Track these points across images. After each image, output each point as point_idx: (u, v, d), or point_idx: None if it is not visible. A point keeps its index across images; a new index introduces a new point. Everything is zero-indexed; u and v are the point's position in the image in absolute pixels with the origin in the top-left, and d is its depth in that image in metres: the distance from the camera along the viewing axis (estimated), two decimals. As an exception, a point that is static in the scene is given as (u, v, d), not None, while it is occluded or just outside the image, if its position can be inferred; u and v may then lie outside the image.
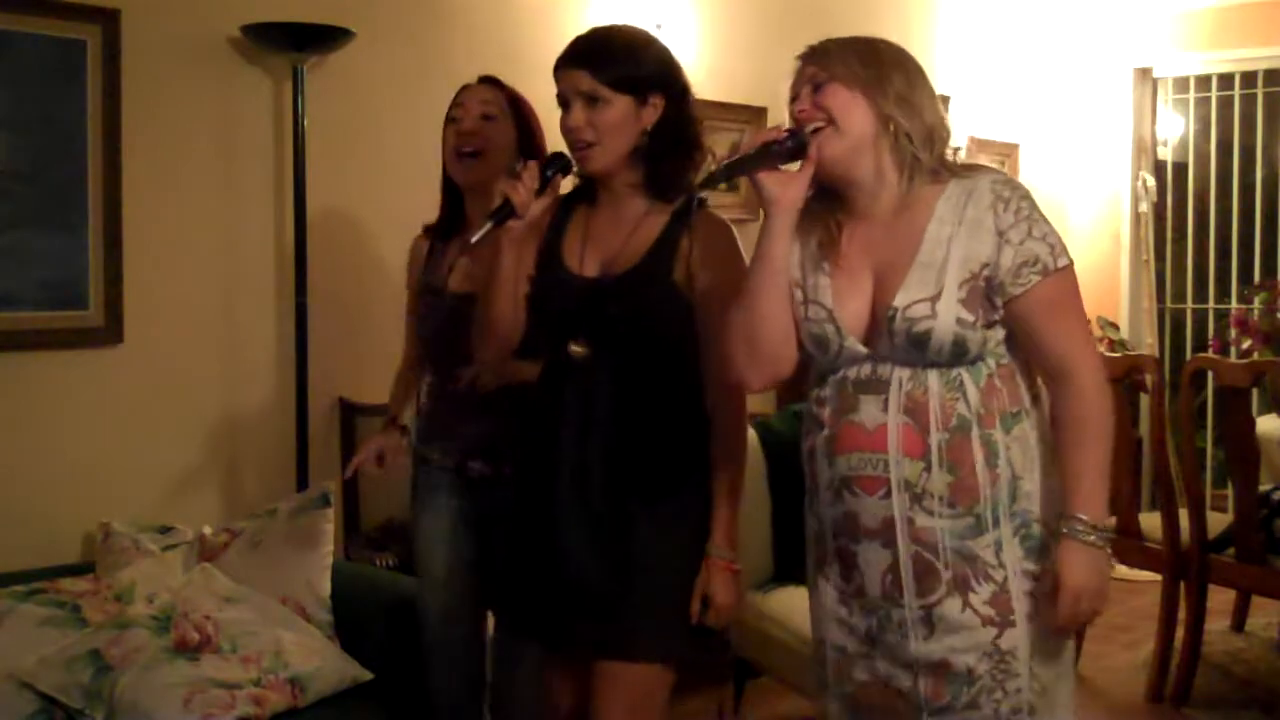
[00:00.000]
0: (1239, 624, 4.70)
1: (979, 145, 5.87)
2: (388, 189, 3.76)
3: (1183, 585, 4.15)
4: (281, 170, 3.58)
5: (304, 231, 3.51)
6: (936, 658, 2.00)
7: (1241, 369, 4.01)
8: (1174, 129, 6.60)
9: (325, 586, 3.04)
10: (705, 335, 2.24)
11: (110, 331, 3.27)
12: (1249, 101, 6.35)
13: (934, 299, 1.95)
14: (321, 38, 3.44)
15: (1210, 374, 4.47)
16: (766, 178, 2.02)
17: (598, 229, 2.32)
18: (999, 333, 2.00)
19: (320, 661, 2.83)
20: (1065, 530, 1.96)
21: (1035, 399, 2.05)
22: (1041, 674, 2.01)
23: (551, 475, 2.27)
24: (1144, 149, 6.52)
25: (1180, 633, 4.12)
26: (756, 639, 3.41)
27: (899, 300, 1.97)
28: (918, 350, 1.97)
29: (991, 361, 2.00)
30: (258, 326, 3.59)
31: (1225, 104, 6.42)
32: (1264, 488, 4.02)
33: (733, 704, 3.71)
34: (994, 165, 2.08)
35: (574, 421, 2.26)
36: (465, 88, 2.72)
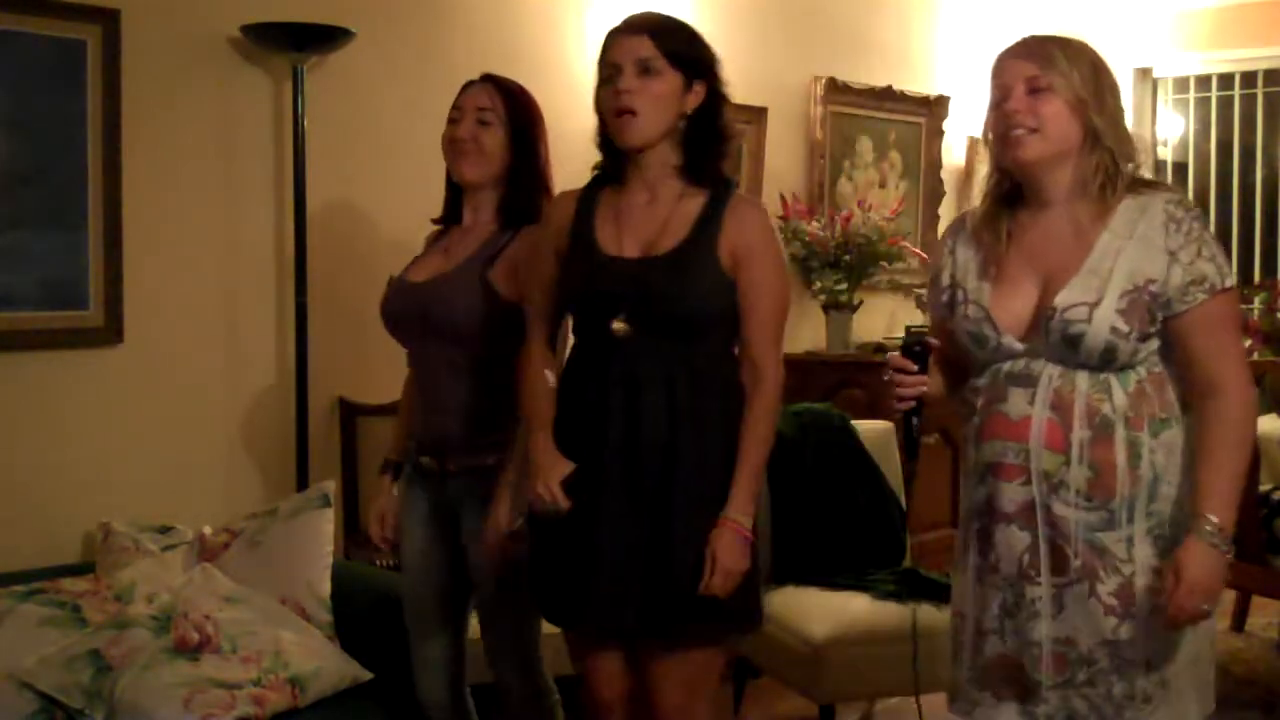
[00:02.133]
0: (1239, 624, 4.69)
1: (979, 145, 5.87)
2: (388, 189, 3.76)
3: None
4: (281, 170, 3.58)
5: (304, 231, 3.51)
6: (1062, 635, 2.10)
7: (1242, 369, 4.01)
8: (1174, 129, 6.60)
9: (325, 586, 3.04)
10: (745, 314, 2.30)
11: (110, 331, 3.27)
12: (1249, 101, 6.35)
13: (1093, 305, 2.05)
14: (321, 38, 3.44)
15: (1210, 374, 4.46)
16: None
17: (631, 211, 2.35)
18: (1153, 344, 2.08)
19: (320, 661, 2.83)
20: (1192, 528, 2.03)
21: (1185, 408, 2.12)
22: (1163, 669, 2.10)
23: (597, 459, 2.29)
24: (1144, 149, 6.51)
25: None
26: (756, 639, 3.40)
27: (1060, 300, 2.07)
28: (1070, 350, 2.06)
29: (1143, 369, 2.08)
30: (258, 326, 3.59)
31: (1225, 104, 6.42)
32: (1264, 488, 4.02)
33: (733, 704, 3.71)
34: (1167, 184, 2.17)
35: (621, 401, 2.29)
36: (466, 88, 2.71)
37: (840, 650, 3.20)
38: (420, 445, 2.69)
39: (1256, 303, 5.33)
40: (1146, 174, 2.21)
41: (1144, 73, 6.51)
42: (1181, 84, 6.53)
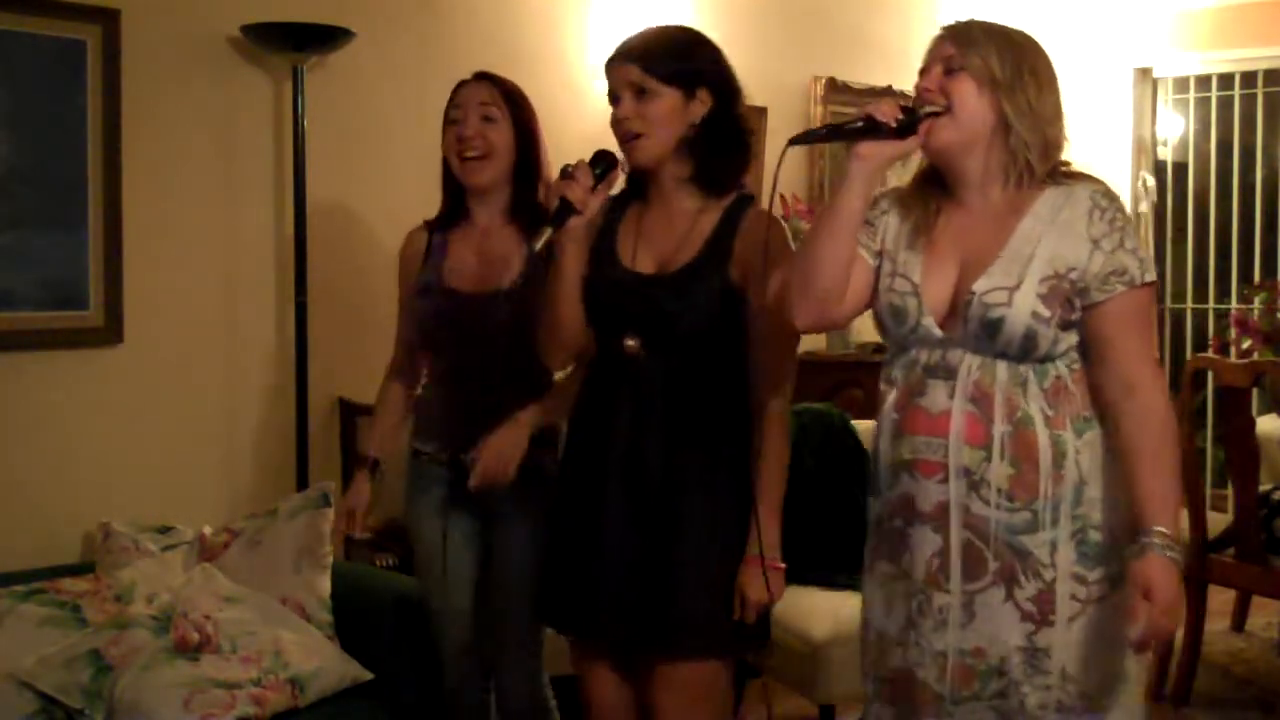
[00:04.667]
0: (1239, 624, 4.69)
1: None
2: (388, 189, 3.75)
3: (1183, 585, 4.14)
4: (281, 170, 3.58)
5: (304, 231, 3.51)
6: (970, 645, 2.02)
7: (1241, 369, 4.01)
8: (1174, 129, 6.60)
9: (325, 586, 3.04)
10: (755, 334, 2.27)
11: (110, 331, 3.27)
12: (1249, 101, 6.34)
13: (1013, 289, 1.98)
14: (321, 38, 3.44)
15: (1210, 374, 4.46)
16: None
17: (650, 227, 2.35)
18: (1073, 337, 2.01)
19: (320, 661, 2.83)
20: (1148, 543, 1.94)
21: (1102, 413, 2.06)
22: (1078, 677, 2.01)
23: (601, 471, 2.30)
24: (1144, 149, 6.52)
25: (1180, 633, 4.12)
26: (756, 639, 3.41)
27: (979, 285, 2.00)
28: (989, 338, 1.99)
29: (1063, 365, 2.02)
30: (258, 326, 3.59)
31: (1225, 104, 6.41)
32: (1264, 488, 4.02)
33: (733, 704, 3.70)
34: (1093, 174, 2.12)
35: (627, 417, 2.29)
36: (462, 86, 2.70)
37: (840, 650, 3.20)
38: (455, 442, 2.65)
39: (1256, 303, 5.32)
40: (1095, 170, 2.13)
41: (1144, 73, 6.51)
42: (1181, 84, 6.53)
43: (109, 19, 3.23)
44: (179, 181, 3.41)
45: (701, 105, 2.29)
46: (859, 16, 5.32)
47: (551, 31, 4.22)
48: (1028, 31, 2.12)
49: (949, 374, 2.02)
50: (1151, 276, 2.00)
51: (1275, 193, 6.32)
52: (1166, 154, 6.60)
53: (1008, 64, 2.02)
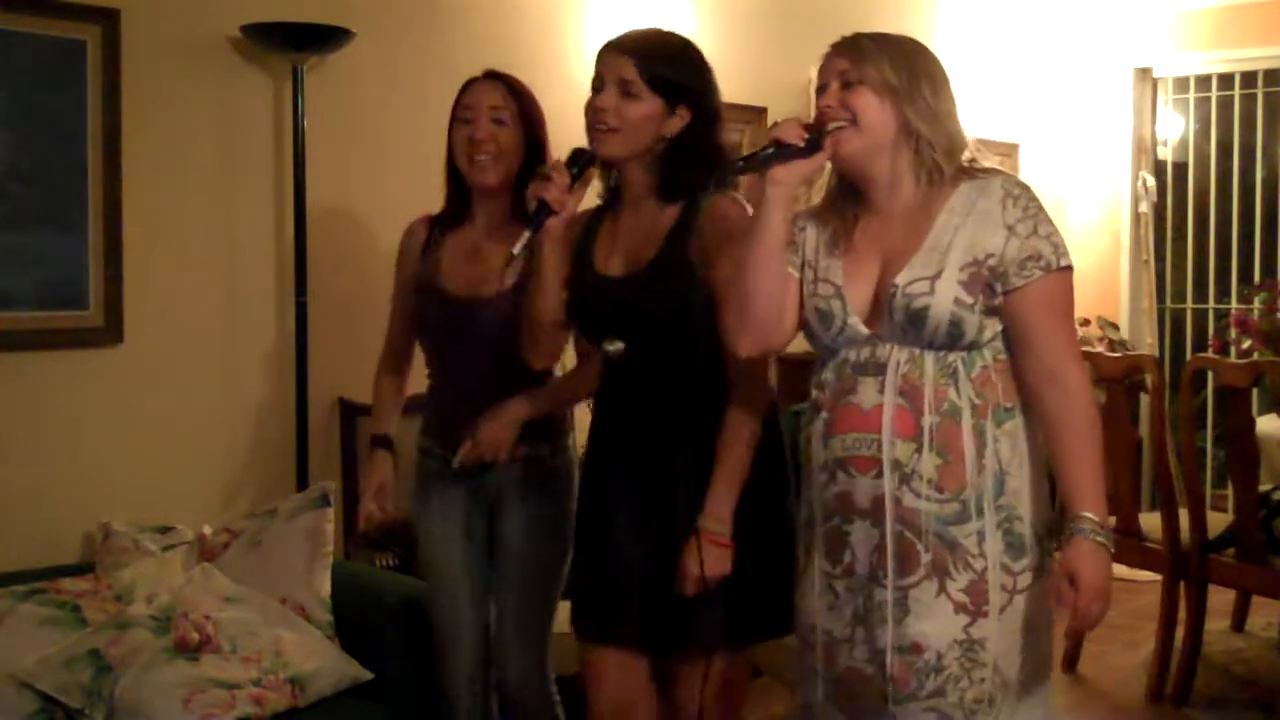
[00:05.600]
0: (1239, 624, 4.70)
1: (979, 145, 5.86)
2: (388, 189, 3.75)
3: (1183, 585, 4.15)
4: (281, 170, 3.58)
5: (304, 231, 3.51)
6: (908, 642, 2.02)
7: (1241, 369, 4.01)
8: (1174, 129, 6.60)
9: (325, 586, 3.04)
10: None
11: (110, 331, 3.27)
12: (1249, 101, 6.35)
13: (934, 278, 2.01)
14: (321, 38, 3.44)
15: (1210, 374, 4.47)
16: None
17: (622, 230, 2.39)
18: (997, 324, 2.04)
19: (320, 661, 2.83)
20: (1075, 529, 1.98)
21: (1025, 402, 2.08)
22: (1006, 669, 2.03)
23: (610, 473, 2.35)
24: (1144, 149, 6.52)
25: (1180, 633, 4.12)
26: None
27: (901, 278, 2.03)
28: (915, 329, 2.01)
29: (988, 354, 2.04)
30: (258, 326, 3.59)
31: (1225, 104, 6.42)
32: (1264, 488, 4.02)
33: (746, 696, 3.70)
34: (1004, 169, 2.14)
35: (625, 419, 2.33)
36: (472, 85, 2.70)
37: (840, 650, 3.20)
38: (454, 442, 2.65)
39: (1256, 302, 5.33)
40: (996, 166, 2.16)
41: (1144, 73, 6.51)
42: (1181, 84, 6.53)
43: (109, 19, 3.22)
44: (179, 181, 3.41)
45: (679, 120, 2.31)
46: (859, 17, 5.28)
47: (551, 32, 4.22)
48: (912, 36, 2.18)
49: (878, 370, 2.05)
50: (1067, 261, 2.03)
51: (1275, 193, 6.33)
52: (1166, 154, 6.60)
53: (902, 71, 2.08)
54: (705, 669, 2.30)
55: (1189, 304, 6.55)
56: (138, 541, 3.07)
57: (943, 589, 2.01)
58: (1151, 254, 6.45)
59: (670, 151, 2.31)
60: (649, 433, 2.32)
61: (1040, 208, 2.05)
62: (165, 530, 3.16)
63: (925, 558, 2.01)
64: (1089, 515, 1.98)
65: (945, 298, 2.00)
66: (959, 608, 2.01)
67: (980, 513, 2.01)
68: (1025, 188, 2.07)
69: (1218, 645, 4.49)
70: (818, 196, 2.21)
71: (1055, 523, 2.07)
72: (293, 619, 2.94)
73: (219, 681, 2.65)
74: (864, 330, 2.07)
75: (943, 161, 2.07)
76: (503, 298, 2.59)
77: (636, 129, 2.29)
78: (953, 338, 2.01)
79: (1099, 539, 1.97)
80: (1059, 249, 2.03)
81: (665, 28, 2.49)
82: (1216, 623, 4.49)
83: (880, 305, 2.06)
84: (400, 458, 2.84)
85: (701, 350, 2.30)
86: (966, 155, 2.12)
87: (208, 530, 3.16)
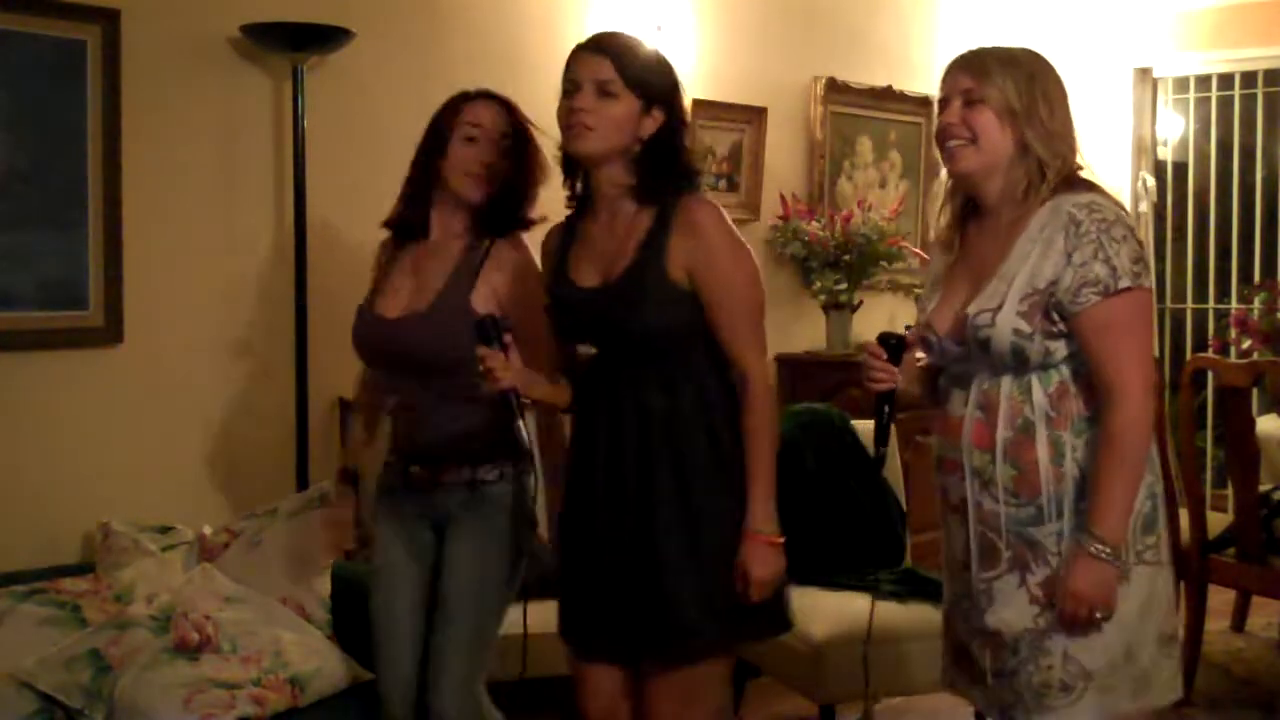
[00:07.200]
0: (1239, 624, 4.69)
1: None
2: (387, 189, 3.72)
3: (1183, 585, 4.14)
4: (281, 170, 3.58)
5: (304, 231, 3.51)
6: (991, 627, 2.21)
7: (1241, 369, 4.00)
8: (1174, 129, 6.60)
9: (325, 586, 3.05)
10: (718, 318, 2.29)
11: (110, 331, 3.27)
12: (1249, 101, 6.34)
13: (995, 310, 2.13)
14: (321, 38, 3.44)
15: (1210, 374, 4.46)
16: None
17: (594, 239, 2.38)
18: (1065, 346, 2.13)
19: (320, 661, 2.83)
20: (1079, 540, 2.11)
21: None
22: (1084, 659, 2.15)
23: (590, 482, 2.34)
24: (1144, 149, 6.52)
25: (1180, 633, 4.11)
26: (756, 639, 3.41)
27: (972, 308, 2.17)
28: (985, 354, 2.16)
29: (1066, 369, 2.15)
30: (257, 326, 3.59)
31: (1225, 104, 6.41)
32: (1264, 488, 4.01)
33: (733, 704, 3.70)
34: (1100, 186, 2.20)
35: (603, 429, 2.33)
36: (479, 103, 2.67)
37: (840, 650, 3.20)
38: (407, 456, 2.65)
39: (1256, 302, 5.33)
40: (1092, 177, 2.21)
41: (1144, 73, 6.51)
42: (1181, 84, 6.52)
43: (109, 19, 3.23)
44: (179, 181, 3.42)
45: (653, 122, 2.31)
46: (859, 17, 5.32)
47: (550, 34, 4.22)
48: (1032, 48, 2.22)
49: (965, 384, 2.22)
50: (1128, 283, 2.08)
51: (1275, 193, 6.32)
52: (1166, 154, 6.59)
53: (1024, 92, 2.14)
54: (687, 679, 2.30)
55: (1189, 304, 6.55)
56: (138, 541, 3.07)
57: (1023, 582, 2.18)
58: (1151, 254, 6.44)
59: (645, 154, 2.31)
60: (628, 440, 2.30)
61: (1107, 228, 2.09)
62: (165, 530, 3.16)
63: (1006, 554, 2.18)
64: (1095, 532, 2.09)
65: (1004, 330, 2.11)
66: (1033, 600, 2.17)
67: (1059, 514, 2.15)
68: (1093, 210, 2.10)
69: (1218, 645, 4.48)
70: (936, 204, 2.33)
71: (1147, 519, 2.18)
72: (293, 619, 2.94)
73: (219, 681, 2.65)
74: (956, 348, 2.22)
75: (1051, 177, 2.13)
76: (426, 318, 2.57)
77: (615, 128, 2.28)
78: (1020, 362, 2.13)
79: (1102, 556, 2.09)
80: (1118, 271, 2.07)
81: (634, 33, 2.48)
82: (1216, 623, 4.49)
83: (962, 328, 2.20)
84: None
85: (686, 355, 2.31)
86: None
87: (208, 530, 3.16)
